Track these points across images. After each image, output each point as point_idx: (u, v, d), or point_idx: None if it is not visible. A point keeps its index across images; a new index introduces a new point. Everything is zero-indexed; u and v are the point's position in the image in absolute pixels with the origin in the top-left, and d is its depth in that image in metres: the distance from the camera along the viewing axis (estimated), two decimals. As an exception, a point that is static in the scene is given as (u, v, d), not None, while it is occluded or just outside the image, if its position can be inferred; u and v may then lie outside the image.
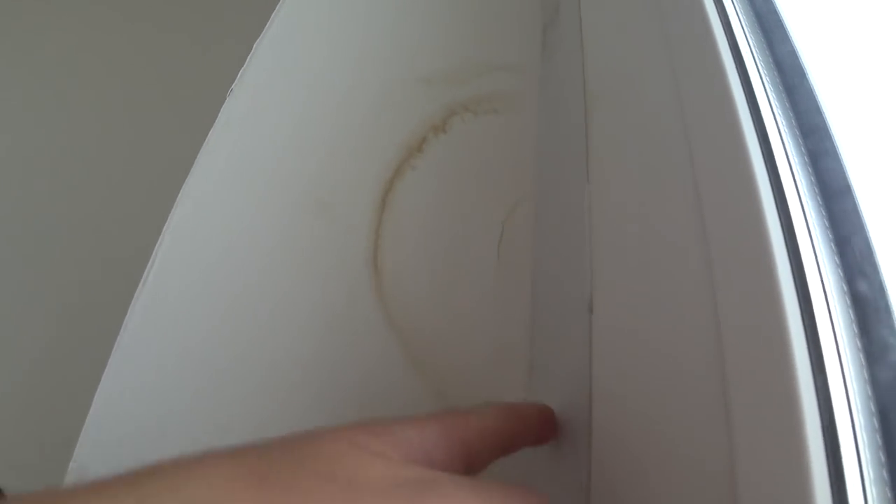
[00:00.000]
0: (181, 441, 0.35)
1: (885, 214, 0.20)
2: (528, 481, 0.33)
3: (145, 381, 0.38)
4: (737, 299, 0.19)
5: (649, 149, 0.37)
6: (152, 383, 0.37)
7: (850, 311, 0.17)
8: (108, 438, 0.35)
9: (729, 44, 0.32)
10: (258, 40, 0.50)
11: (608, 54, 0.50)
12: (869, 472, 0.15)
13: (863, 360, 0.17)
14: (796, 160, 0.23)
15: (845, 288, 0.18)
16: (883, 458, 0.15)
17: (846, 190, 0.21)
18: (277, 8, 0.51)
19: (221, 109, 0.46)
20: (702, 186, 0.28)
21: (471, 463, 0.24)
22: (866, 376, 0.16)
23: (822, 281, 0.18)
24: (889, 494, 0.14)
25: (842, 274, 0.18)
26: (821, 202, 0.21)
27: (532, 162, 0.52)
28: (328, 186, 0.45)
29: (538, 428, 0.29)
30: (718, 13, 0.35)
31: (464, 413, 0.25)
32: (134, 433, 0.36)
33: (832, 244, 0.19)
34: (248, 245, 0.42)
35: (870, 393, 0.16)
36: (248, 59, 0.49)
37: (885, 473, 0.15)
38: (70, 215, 1.19)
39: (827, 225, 0.20)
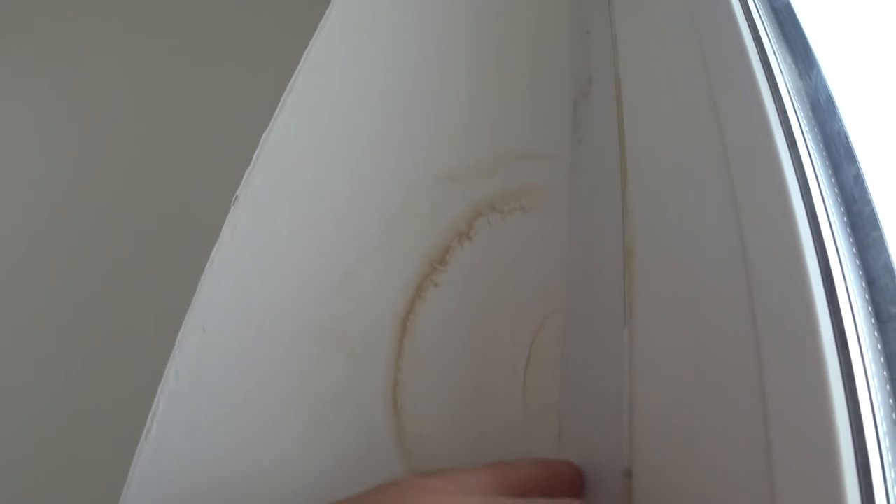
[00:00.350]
0: None
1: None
2: None
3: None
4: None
5: (702, 279, 0.32)
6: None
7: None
8: None
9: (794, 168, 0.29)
10: (263, 136, 0.45)
11: (651, 139, 0.45)
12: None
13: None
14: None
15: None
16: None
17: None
18: (283, 99, 0.46)
19: (226, 220, 0.42)
20: (763, 339, 0.25)
21: None
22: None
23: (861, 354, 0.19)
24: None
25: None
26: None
27: (562, 269, 0.48)
28: (341, 313, 0.40)
29: (569, 485, 0.34)
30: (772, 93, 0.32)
31: (510, 463, 0.32)
32: None
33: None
34: (251, 384, 0.38)
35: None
36: (254, 158, 0.44)
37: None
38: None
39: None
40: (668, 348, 0.33)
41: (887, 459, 0.18)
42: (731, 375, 0.26)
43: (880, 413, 0.18)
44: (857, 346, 0.19)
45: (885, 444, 0.18)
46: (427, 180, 0.47)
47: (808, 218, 0.25)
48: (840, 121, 0.30)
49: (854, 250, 0.25)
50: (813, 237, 0.24)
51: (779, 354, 0.23)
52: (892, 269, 0.21)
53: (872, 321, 0.21)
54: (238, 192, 0.43)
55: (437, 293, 0.43)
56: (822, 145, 0.31)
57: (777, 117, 0.31)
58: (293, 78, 0.48)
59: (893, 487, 0.17)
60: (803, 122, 0.31)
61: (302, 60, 0.49)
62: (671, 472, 0.29)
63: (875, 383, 0.19)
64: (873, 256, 0.23)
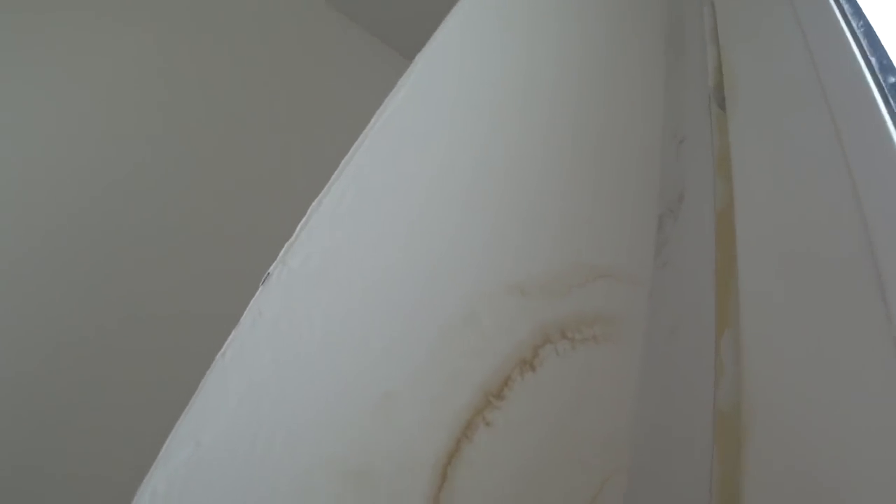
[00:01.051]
0: None
1: None
2: None
3: None
4: None
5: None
6: None
7: None
8: None
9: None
10: (312, 206, 0.38)
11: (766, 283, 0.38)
12: None
13: None
14: None
15: None
16: None
17: None
18: (343, 165, 0.39)
19: (251, 302, 0.34)
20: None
21: None
22: None
23: None
24: None
25: None
26: None
27: (631, 420, 0.40)
28: (372, 447, 0.32)
29: None
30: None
31: None
32: None
33: None
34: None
35: None
36: (296, 230, 0.37)
37: None
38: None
39: None
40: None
41: None
42: None
43: None
44: None
45: None
46: (495, 290, 0.39)
47: None
48: None
49: None
50: None
51: None
52: None
53: None
54: (271, 269, 0.35)
55: (488, 435, 0.34)
56: None
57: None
58: (360, 140, 0.41)
59: None
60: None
61: (373, 120, 0.42)
62: None
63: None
64: None
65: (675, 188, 0.51)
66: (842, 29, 0.40)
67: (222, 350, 0.32)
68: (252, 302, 0.34)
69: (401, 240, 0.38)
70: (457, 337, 0.36)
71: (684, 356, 0.41)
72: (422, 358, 0.34)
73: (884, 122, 0.32)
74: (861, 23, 0.41)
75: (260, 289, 0.35)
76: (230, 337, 0.33)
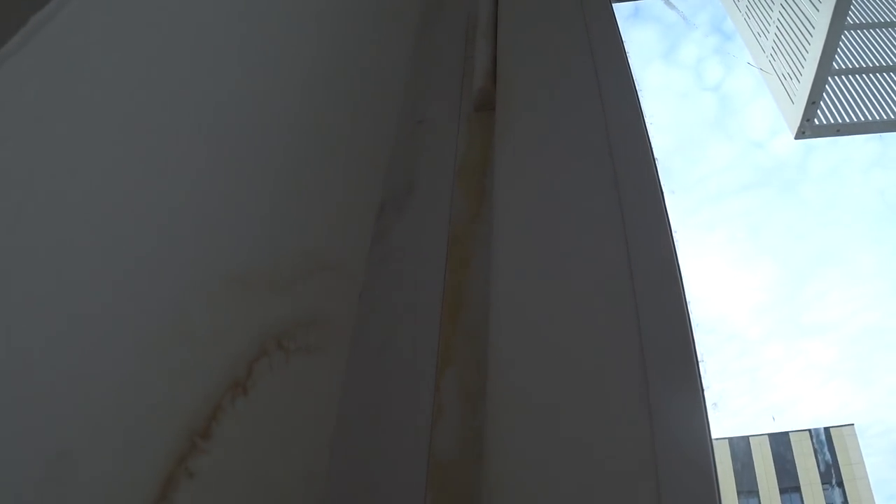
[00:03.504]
0: None
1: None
2: None
3: None
4: None
5: None
6: None
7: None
8: None
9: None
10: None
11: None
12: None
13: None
14: None
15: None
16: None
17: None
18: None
19: None
20: None
21: None
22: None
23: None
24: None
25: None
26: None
27: (330, 458, 0.35)
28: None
29: None
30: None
31: None
32: None
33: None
34: None
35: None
36: None
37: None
38: None
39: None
40: None
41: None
42: None
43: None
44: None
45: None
46: (212, 282, 0.28)
47: None
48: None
49: None
50: None
51: None
52: None
53: None
54: None
55: (192, 491, 0.24)
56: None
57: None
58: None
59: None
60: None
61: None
62: None
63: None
64: None
65: (405, 176, 0.48)
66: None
67: None
68: None
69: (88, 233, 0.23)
70: (160, 353, 0.24)
71: (395, 386, 0.37)
72: (110, 394, 0.22)
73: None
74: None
75: None
76: None
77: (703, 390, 0.29)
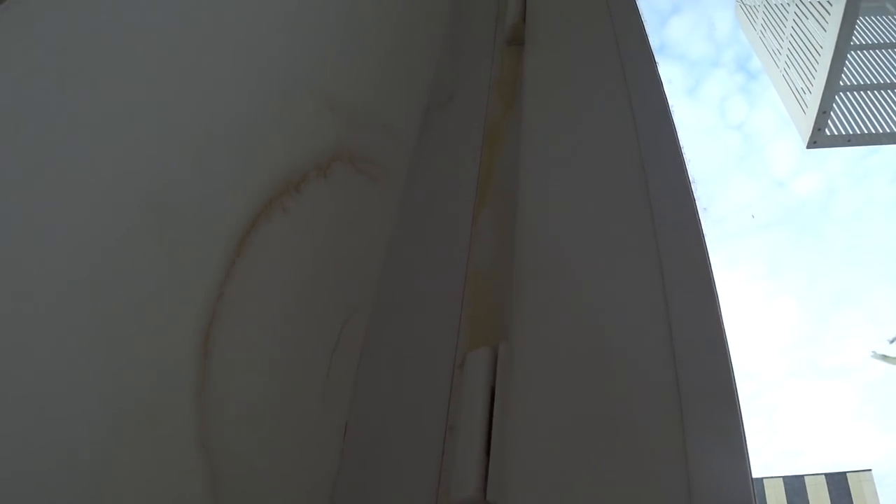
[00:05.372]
0: None
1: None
2: None
3: None
4: None
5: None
6: None
7: None
8: None
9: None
10: None
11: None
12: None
13: None
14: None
15: None
16: None
17: None
18: None
19: None
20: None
21: None
22: None
23: None
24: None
25: None
26: None
27: (382, 265, 0.43)
28: (182, 188, 0.27)
29: None
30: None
31: None
32: None
33: None
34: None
35: None
36: None
37: None
38: None
39: None
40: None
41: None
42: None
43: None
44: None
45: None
46: (306, 95, 0.37)
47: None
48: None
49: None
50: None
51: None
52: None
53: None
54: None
55: (283, 223, 0.33)
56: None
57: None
58: None
59: None
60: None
61: None
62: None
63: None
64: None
65: (447, 87, 0.57)
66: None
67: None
68: None
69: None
70: (279, 113, 0.33)
71: (437, 222, 0.46)
72: (249, 110, 0.31)
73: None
74: None
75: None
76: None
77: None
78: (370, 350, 0.39)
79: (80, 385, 0.21)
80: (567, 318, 0.31)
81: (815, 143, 1.89)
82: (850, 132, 1.88)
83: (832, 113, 1.85)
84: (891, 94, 1.96)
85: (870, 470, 12.11)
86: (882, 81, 1.97)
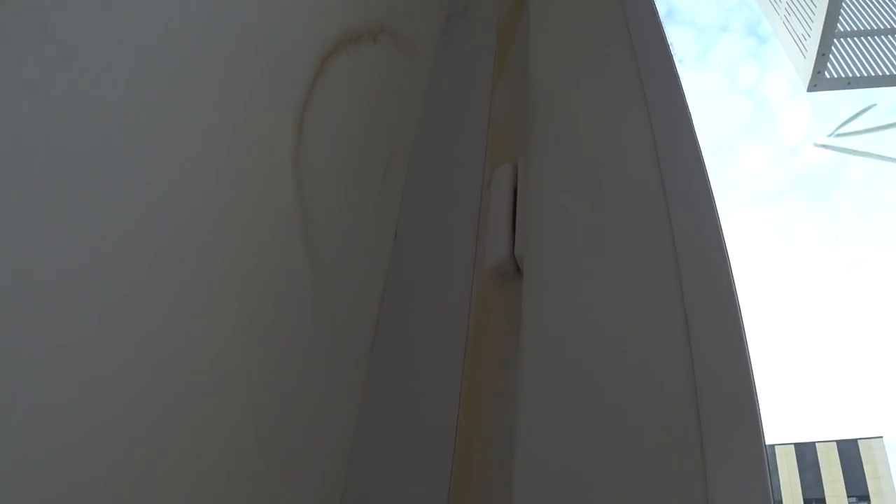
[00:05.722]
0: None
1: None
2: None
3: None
4: None
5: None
6: None
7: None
8: None
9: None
10: None
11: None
12: None
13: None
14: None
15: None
16: None
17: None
18: None
19: None
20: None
21: None
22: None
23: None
24: None
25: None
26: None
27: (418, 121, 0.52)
28: (287, 17, 0.37)
29: None
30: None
31: None
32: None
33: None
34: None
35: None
36: None
37: None
38: None
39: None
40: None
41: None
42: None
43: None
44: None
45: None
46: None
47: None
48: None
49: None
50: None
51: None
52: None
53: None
54: None
55: (349, 62, 0.42)
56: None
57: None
58: None
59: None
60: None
61: None
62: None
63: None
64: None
65: (461, 3, 0.66)
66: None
67: None
68: None
69: None
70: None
71: (457, 96, 0.55)
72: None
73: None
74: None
75: None
76: None
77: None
78: (412, 180, 0.49)
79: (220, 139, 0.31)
80: (572, 138, 0.40)
81: (815, 86, 1.96)
82: (850, 75, 1.94)
83: (831, 56, 1.91)
84: (890, 38, 2.01)
85: (881, 437, 12.23)
86: (880, 27, 2.02)
